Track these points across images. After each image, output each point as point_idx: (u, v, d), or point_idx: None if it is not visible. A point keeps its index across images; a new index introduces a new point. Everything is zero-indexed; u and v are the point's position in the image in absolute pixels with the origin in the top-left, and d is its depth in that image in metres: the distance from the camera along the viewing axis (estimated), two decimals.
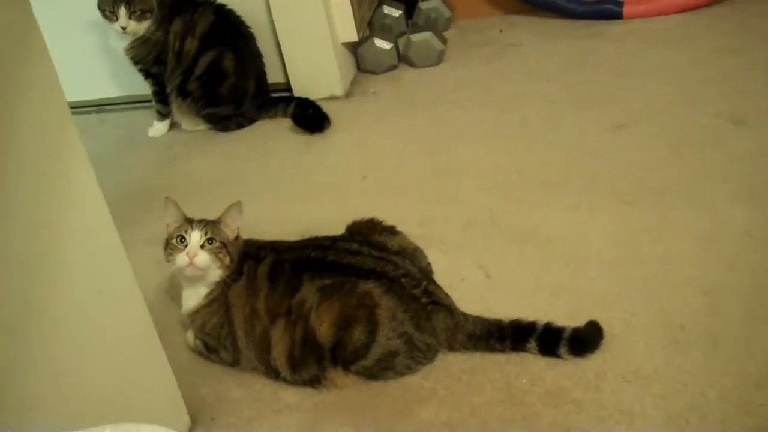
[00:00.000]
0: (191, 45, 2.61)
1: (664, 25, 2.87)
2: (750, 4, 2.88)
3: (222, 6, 2.66)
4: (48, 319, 1.21)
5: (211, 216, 1.68)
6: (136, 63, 2.67)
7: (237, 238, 1.67)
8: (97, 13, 2.56)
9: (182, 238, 1.62)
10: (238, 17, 2.68)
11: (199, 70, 2.62)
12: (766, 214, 1.86)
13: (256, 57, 2.72)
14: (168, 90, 2.69)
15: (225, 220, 1.66)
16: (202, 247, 1.61)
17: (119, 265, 1.39)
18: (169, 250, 1.63)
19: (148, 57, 2.64)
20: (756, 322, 1.58)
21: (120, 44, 2.63)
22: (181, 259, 1.61)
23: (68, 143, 1.26)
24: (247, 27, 2.69)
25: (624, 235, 1.88)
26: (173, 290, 1.86)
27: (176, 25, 2.61)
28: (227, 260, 1.63)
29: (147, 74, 2.69)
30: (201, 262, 1.60)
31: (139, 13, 2.53)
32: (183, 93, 2.66)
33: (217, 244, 1.62)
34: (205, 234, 1.62)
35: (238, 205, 1.66)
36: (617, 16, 2.94)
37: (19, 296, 1.15)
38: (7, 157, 1.12)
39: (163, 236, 1.67)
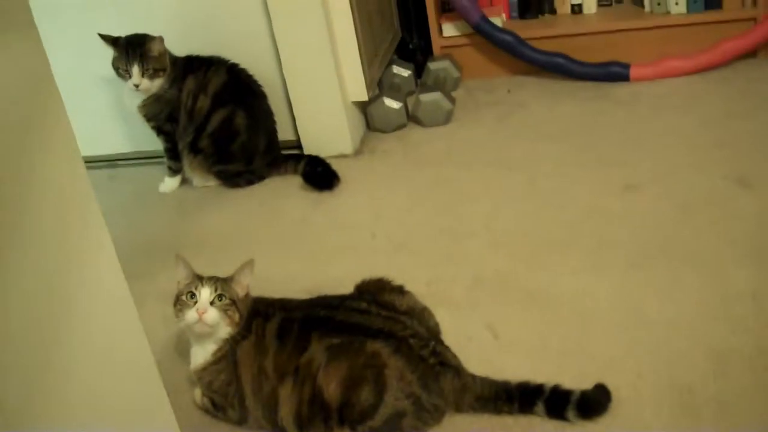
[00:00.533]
0: (204, 103, 2.65)
1: (670, 87, 2.91)
2: (752, 68, 2.92)
3: (235, 65, 2.70)
4: (59, 373, 1.21)
5: (221, 273, 1.69)
6: (149, 120, 2.71)
7: (247, 295, 1.68)
8: (110, 70, 2.60)
9: (192, 295, 1.63)
10: (250, 76, 2.72)
11: (210, 128, 2.66)
12: None
13: (268, 115, 2.76)
14: (180, 147, 2.72)
15: (237, 278, 1.67)
16: (211, 303, 1.62)
17: (130, 323, 1.39)
18: (179, 307, 1.64)
19: (161, 114, 2.68)
20: (764, 385, 1.58)
21: (134, 102, 2.67)
22: (191, 315, 1.62)
23: (83, 200, 1.28)
24: (259, 86, 2.73)
25: (631, 297, 1.89)
26: (181, 347, 1.87)
27: (189, 83, 2.65)
28: (236, 317, 1.63)
29: (159, 131, 2.73)
30: (210, 319, 1.61)
31: (152, 71, 2.57)
32: (194, 150, 2.69)
33: (227, 301, 1.63)
34: (215, 290, 1.63)
35: (250, 263, 1.68)
36: (624, 78, 2.98)
37: (34, 346, 1.16)
38: (23, 212, 1.14)
39: (173, 293, 1.68)
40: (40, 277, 1.17)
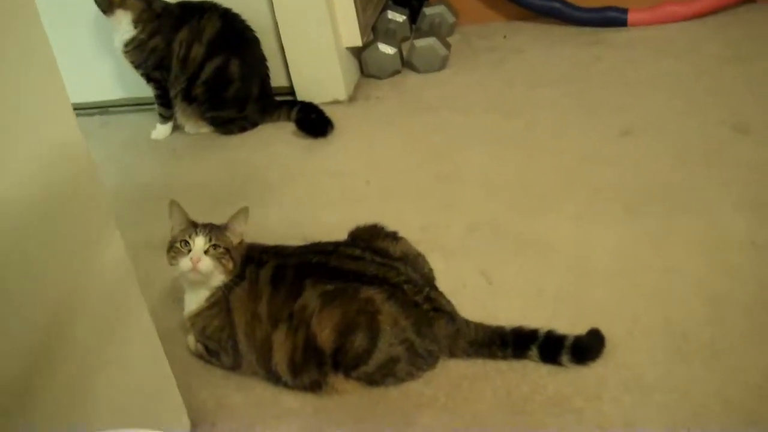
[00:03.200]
0: (197, 51, 2.61)
1: (668, 32, 2.87)
2: (753, 12, 2.88)
3: (228, 11, 2.65)
4: (56, 330, 1.20)
5: (215, 220, 1.68)
6: (136, 67, 2.68)
7: (241, 242, 1.66)
8: (100, 14, 2.57)
9: (186, 243, 1.62)
10: (243, 22, 2.67)
11: (204, 76, 2.62)
12: (767, 221, 1.86)
13: (261, 61, 2.72)
14: (172, 94, 2.69)
15: (231, 226, 1.66)
16: (206, 252, 1.61)
17: (125, 275, 1.39)
18: (173, 254, 1.63)
19: (147, 62, 2.65)
20: (760, 333, 1.58)
21: (118, 46, 2.64)
22: (185, 263, 1.61)
23: (73, 147, 1.26)
24: (252, 31, 2.69)
25: (628, 243, 1.88)
26: (176, 293, 1.86)
27: (183, 34, 2.61)
28: (230, 266, 1.62)
29: (148, 78, 2.70)
30: (204, 268, 1.60)
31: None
32: (188, 98, 2.66)
33: (221, 249, 1.62)
34: (210, 240, 1.62)
35: (244, 210, 1.66)
36: (622, 23, 2.94)
37: (37, 299, 1.15)
38: (10, 161, 1.12)
39: (167, 240, 1.67)
40: (31, 230, 1.16)
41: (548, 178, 2.18)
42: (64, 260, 1.23)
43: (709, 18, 2.89)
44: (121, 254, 1.37)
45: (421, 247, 1.78)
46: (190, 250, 1.61)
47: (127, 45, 2.63)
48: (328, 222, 2.08)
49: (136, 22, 2.59)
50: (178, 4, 2.65)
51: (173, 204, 1.67)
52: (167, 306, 1.88)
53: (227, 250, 1.62)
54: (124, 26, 2.60)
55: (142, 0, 2.57)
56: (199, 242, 1.62)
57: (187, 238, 1.62)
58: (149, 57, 2.64)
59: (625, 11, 2.93)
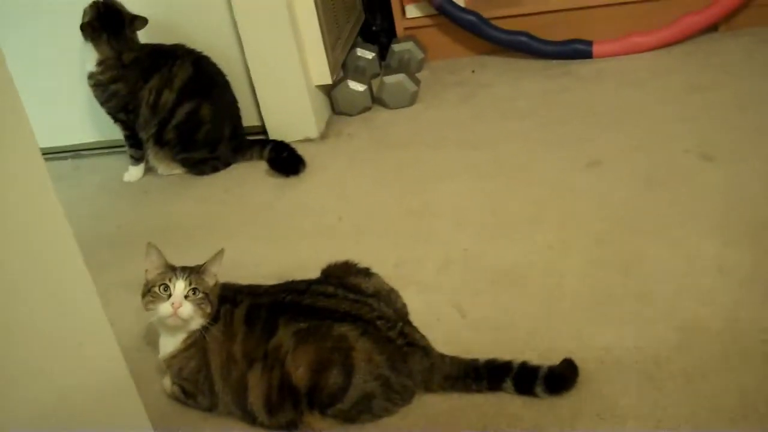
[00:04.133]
0: (168, 97, 2.62)
1: (632, 63, 2.92)
2: (715, 41, 2.94)
3: (200, 56, 2.67)
4: (24, 370, 1.20)
5: (189, 261, 1.68)
6: (100, 104, 2.69)
7: (216, 284, 1.67)
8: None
9: (166, 287, 1.62)
10: (214, 66, 2.69)
11: (175, 121, 2.63)
12: (735, 249, 1.89)
13: (232, 103, 2.74)
14: (143, 137, 2.70)
15: (208, 269, 1.65)
16: (186, 297, 1.61)
17: (95, 315, 1.38)
18: (150, 298, 1.63)
19: (109, 104, 2.66)
20: (729, 358, 1.59)
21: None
22: (165, 308, 1.61)
23: (40, 191, 1.26)
24: (224, 75, 2.71)
25: (598, 272, 1.90)
26: (149, 336, 1.86)
27: (153, 83, 2.62)
28: (208, 309, 1.63)
29: (114, 119, 2.71)
30: (185, 313, 1.60)
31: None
32: (160, 141, 2.67)
33: (201, 294, 1.62)
34: (190, 284, 1.62)
35: (220, 253, 1.66)
36: (587, 55, 2.99)
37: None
38: None
39: (141, 281, 1.67)
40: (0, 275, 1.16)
41: (519, 210, 2.21)
42: (29, 304, 1.22)
43: (673, 48, 2.94)
44: (92, 297, 1.37)
45: (394, 283, 1.79)
46: (170, 295, 1.61)
47: (90, 78, 2.65)
48: (302, 259, 2.09)
49: (100, 63, 2.60)
50: (149, 51, 2.65)
51: (150, 246, 1.67)
52: (141, 348, 1.88)
53: (206, 294, 1.63)
54: (90, 59, 2.61)
55: (113, 50, 2.58)
56: (179, 287, 1.61)
57: (167, 282, 1.62)
58: (110, 99, 2.65)
59: (590, 43, 2.98)
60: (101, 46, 2.57)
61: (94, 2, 2.56)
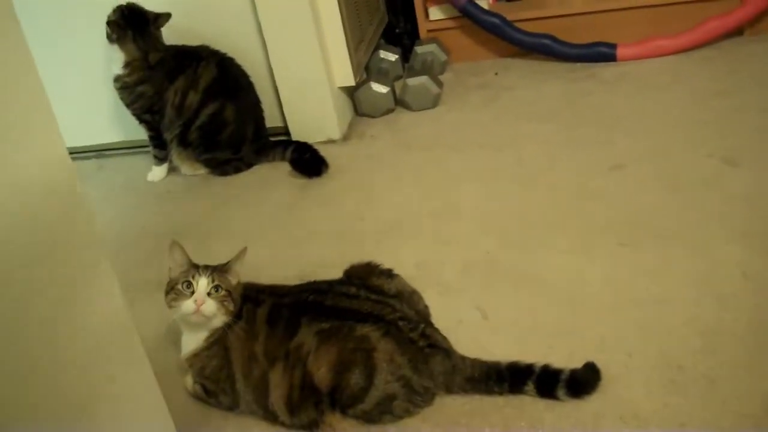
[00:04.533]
0: (193, 99, 2.64)
1: (656, 66, 2.91)
2: (735, 45, 2.92)
3: (224, 57, 2.69)
4: (50, 368, 1.21)
5: (211, 261, 1.69)
6: (126, 105, 2.71)
7: (239, 283, 1.68)
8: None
9: (189, 284, 1.63)
10: (239, 67, 2.71)
11: (199, 121, 2.65)
12: (760, 254, 1.88)
13: (255, 104, 2.75)
14: (167, 138, 2.72)
15: (231, 267, 1.66)
16: (208, 294, 1.62)
17: (120, 315, 1.39)
18: (174, 295, 1.64)
19: (135, 105, 2.69)
20: (753, 363, 1.58)
21: (113, 78, 2.68)
22: (188, 306, 1.61)
23: (67, 191, 1.27)
24: (248, 76, 2.72)
25: (621, 276, 1.89)
26: (172, 336, 1.87)
27: (178, 83, 2.64)
28: (231, 307, 1.63)
29: (139, 119, 2.73)
30: (208, 310, 1.61)
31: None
32: (183, 142, 2.69)
33: (223, 292, 1.63)
34: (212, 281, 1.62)
35: (243, 252, 1.67)
36: (611, 58, 2.98)
37: (23, 339, 1.16)
38: (6, 205, 1.13)
39: (164, 281, 1.68)
40: (28, 272, 1.17)
41: (541, 213, 2.20)
42: (54, 303, 1.23)
43: (696, 51, 2.93)
44: (116, 297, 1.38)
45: (416, 284, 1.79)
46: (193, 292, 1.62)
47: (116, 81, 2.67)
48: (324, 260, 2.09)
49: (126, 65, 2.62)
50: (175, 53, 2.68)
51: (174, 245, 1.68)
52: (163, 348, 1.89)
53: (229, 292, 1.63)
54: (116, 62, 2.64)
55: (140, 50, 2.61)
56: (203, 284, 1.62)
57: (190, 280, 1.63)
58: (137, 100, 2.67)
59: (613, 46, 2.97)
60: (127, 45, 2.59)
61: (117, 6, 2.58)
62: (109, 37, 2.60)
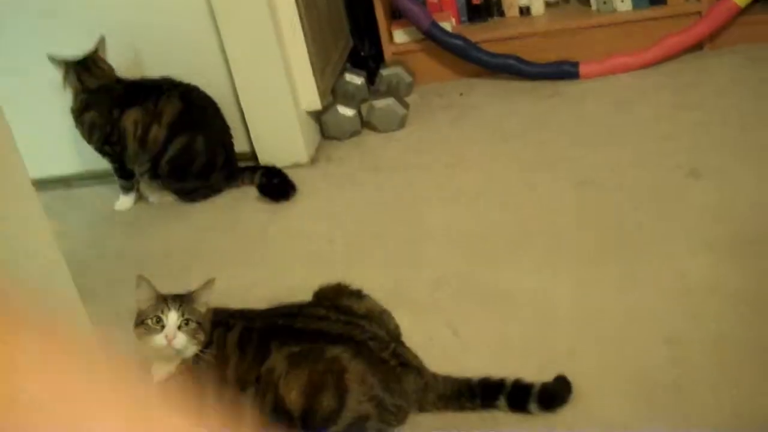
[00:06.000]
0: (158, 133, 2.62)
1: (619, 83, 2.94)
2: (696, 60, 2.96)
3: (187, 88, 2.67)
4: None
5: (181, 288, 1.68)
6: (87, 142, 2.70)
7: (208, 311, 1.67)
8: (61, 88, 2.61)
9: (159, 319, 1.62)
10: (204, 97, 2.69)
11: (169, 155, 2.63)
12: (725, 265, 1.90)
13: (225, 131, 2.74)
14: (136, 172, 2.69)
15: (199, 297, 1.66)
16: (179, 328, 1.61)
17: (87, 345, 1.38)
18: (143, 330, 1.63)
19: (93, 137, 2.67)
20: (721, 372, 1.60)
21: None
22: (159, 340, 1.61)
23: (32, 222, 1.27)
24: (214, 104, 2.71)
25: (589, 290, 1.91)
26: (143, 364, 1.85)
27: (134, 114, 2.62)
28: (202, 337, 1.63)
29: (101, 153, 2.71)
30: (179, 344, 1.61)
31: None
32: (153, 176, 2.67)
33: (194, 324, 1.62)
34: (182, 315, 1.62)
35: (211, 281, 1.67)
36: (574, 75, 3.01)
37: None
38: None
39: (132, 310, 1.67)
40: None
41: (510, 230, 2.22)
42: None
43: (659, 66, 2.97)
44: (84, 326, 1.37)
45: (387, 304, 1.80)
46: (163, 327, 1.61)
47: (72, 115, 2.67)
48: (294, 283, 2.09)
49: (75, 98, 2.64)
50: (129, 84, 2.66)
51: (141, 279, 1.67)
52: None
53: (199, 323, 1.63)
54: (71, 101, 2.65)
55: (78, 79, 2.61)
56: (173, 318, 1.61)
57: (160, 314, 1.62)
58: (91, 131, 2.65)
59: (576, 64, 3.00)
60: (69, 78, 2.61)
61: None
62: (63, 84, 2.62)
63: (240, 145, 2.82)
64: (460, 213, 2.35)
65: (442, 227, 2.29)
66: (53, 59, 2.59)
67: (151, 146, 2.63)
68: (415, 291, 2.03)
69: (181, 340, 1.61)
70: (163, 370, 1.67)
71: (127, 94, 2.65)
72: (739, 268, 1.89)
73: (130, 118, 2.63)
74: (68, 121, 2.82)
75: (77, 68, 2.61)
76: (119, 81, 2.66)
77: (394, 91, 3.06)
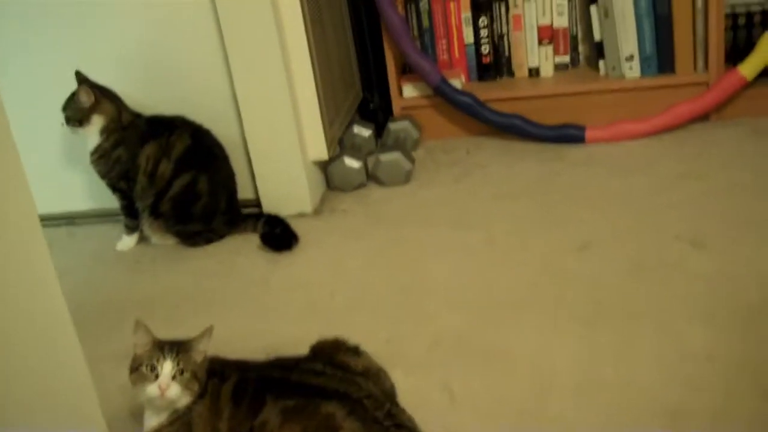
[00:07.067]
0: (166, 168, 2.64)
1: (625, 149, 2.96)
2: (702, 130, 2.99)
3: (199, 128, 2.70)
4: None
5: (178, 333, 1.68)
6: (102, 177, 2.71)
7: (204, 360, 1.66)
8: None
9: (153, 368, 1.61)
10: (213, 139, 2.72)
11: (172, 192, 2.65)
12: (724, 335, 1.90)
13: (229, 177, 2.76)
14: (139, 207, 2.71)
15: (196, 346, 1.65)
16: (173, 377, 1.60)
17: (83, 385, 1.38)
18: (138, 376, 1.62)
19: (112, 173, 2.68)
20: None
21: (87, 156, 2.69)
22: (152, 390, 1.60)
23: (37, 258, 1.27)
24: (222, 148, 2.74)
25: (587, 356, 1.90)
26: (135, 408, 1.84)
27: (149, 149, 2.65)
28: (196, 388, 1.62)
29: (113, 188, 2.73)
30: (172, 395, 1.60)
31: (72, 121, 2.63)
32: (155, 212, 2.68)
33: (188, 375, 1.61)
34: (177, 364, 1.61)
35: (209, 330, 1.66)
36: (580, 140, 3.03)
37: None
38: None
39: (129, 353, 1.66)
40: None
41: (509, 290, 2.21)
42: (13, 376, 1.22)
43: (664, 135, 2.99)
44: (81, 368, 1.37)
45: (383, 361, 1.79)
46: (157, 376, 1.60)
47: (92, 154, 2.68)
48: (292, 335, 2.08)
49: (103, 131, 2.64)
50: (147, 119, 2.70)
51: (139, 324, 1.67)
52: (126, 421, 1.86)
53: (194, 373, 1.62)
54: (91, 137, 2.65)
55: (115, 106, 2.63)
56: (167, 368, 1.60)
57: (155, 363, 1.61)
58: (114, 167, 2.67)
59: (582, 129, 3.02)
60: (104, 105, 2.62)
61: (78, 88, 2.61)
62: (78, 122, 2.62)
63: (245, 192, 2.83)
64: (461, 270, 2.35)
65: (443, 284, 2.29)
66: (86, 88, 2.59)
67: (158, 181, 2.65)
68: (412, 348, 2.02)
69: (174, 390, 1.60)
70: (154, 420, 1.65)
71: (148, 130, 2.68)
72: (739, 338, 1.88)
73: (145, 153, 2.66)
74: (74, 158, 2.84)
75: (118, 101, 2.63)
76: (139, 116, 2.70)
77: (402, 145, 3.08)
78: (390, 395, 1.71)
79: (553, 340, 1.98)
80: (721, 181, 2.64)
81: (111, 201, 2.82)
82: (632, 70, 3.08)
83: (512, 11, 3.20)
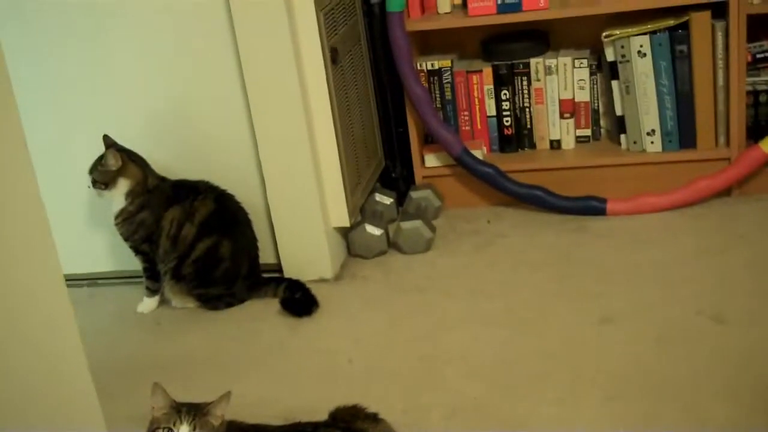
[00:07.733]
0: (189, 231, 2.67)
1: (646, 222, 2.96)
2: (724, 205, 2.98)
3: (223, 193, 2.74)
4: None
5: (196, 396, 1.68)
6: (125, 239, 2.73)
7: (221, 424, 1.66)
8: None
9: (170, 431, 1.61)
10: (237, 204, 2.75)
11: (194, 255, 2.67)
12: (746, 411, 1.88)
13: (252, 242, 2.78)
14: (161, 270, 2.73)
15: (213, 410, 1.65)
16: None
17: None
18: None
19: (135, 235, 2.71)
20: None
21: (111, 219, 2.72)
22: None
23: (61, 318, 1.29)
24: (246, 213, 2.76)
25: (608, 430, 1.88)
26: None
27: (174, 212, 2.68)
28: None
29: (136, 251, 2.75)
30: None
31: (98, 183, 2.65)
32: (177, 276, 2.70)
33: None
34: (194, 429, 1.61)
35: (227, 395, 1.67)
36: (601, 212, 3.04)
37: None
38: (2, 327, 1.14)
39: (147, 415, 1.67)
40: (14, 391, 1.17)
41: (530, 361, 2.20)
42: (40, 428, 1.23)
43: (685, 209, 2.99)
44: (99, 427, 1.37)
45: (401, 430, 1.78)
46: None
47: (117, 217, 2.70)
48: (310, 400, 2.08)
49: (129, 194, 2.67)
50: (172, 183, 2.74)
51: (156, 386, 1.67)
52: None
53: None
54: (116, 199, 2.67)
55: (141, 170, 2.67)
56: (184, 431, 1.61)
57: (171, 426, 1.62)
58: (137, 230, 2.70)
59: (604, 201, 3.03)
60: (131, 168, 2.65)
61: (106, 151, 2.63)
62: (104, 184, 2.65)
63: (267, 257, 2.85)
64: (480, 340, 2.34)
65: (461, 353, 2.29)
66: (114, 152, 2.62)
67: (180, 245, 2.67)
68: (431, 418, 2.01)
69: None
70: None
71: (172, 194, 2.71)
72: (762, 415, 1.86)
73: (169, 217, 2.68)
74: (96, 219, 2.87)
75: (144, 165, 2.68)
76: (164, 180, 2.73)
77: (423, 213, 3.09)
78: None
79: (573, 412, 1.96)
80: (742, 256, 2.63)
81: (133, 263, 2.84)
82: (654, 145, 3.09)
83: (534, 85, 3.24)
